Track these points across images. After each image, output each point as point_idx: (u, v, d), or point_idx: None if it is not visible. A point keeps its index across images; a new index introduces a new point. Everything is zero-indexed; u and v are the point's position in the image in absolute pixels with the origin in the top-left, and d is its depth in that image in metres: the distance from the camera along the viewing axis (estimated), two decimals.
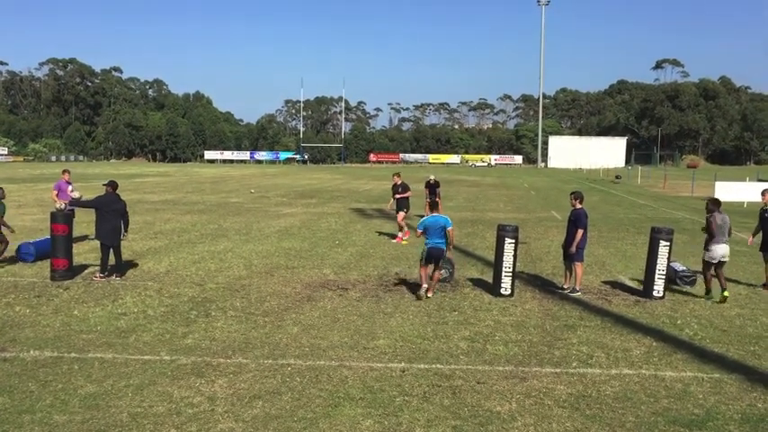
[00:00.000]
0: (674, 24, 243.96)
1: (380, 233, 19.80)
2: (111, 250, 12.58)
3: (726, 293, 11.34)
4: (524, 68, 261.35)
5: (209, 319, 9.78)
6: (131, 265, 13.93)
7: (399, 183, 18.57)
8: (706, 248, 11.77)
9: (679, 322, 10.07)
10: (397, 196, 18.51)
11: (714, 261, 11.62)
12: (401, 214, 18.35)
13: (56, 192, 16.89)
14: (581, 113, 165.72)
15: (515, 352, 8.46)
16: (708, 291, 11.75)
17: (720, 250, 11.58)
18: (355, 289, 12.00)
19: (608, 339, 9.10)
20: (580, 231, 11.78)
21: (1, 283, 12.09)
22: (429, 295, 11.31)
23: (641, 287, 12.06)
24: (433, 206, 12.41)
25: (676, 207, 31.67)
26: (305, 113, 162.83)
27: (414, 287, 12.06)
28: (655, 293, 11.51)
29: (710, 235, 11.66)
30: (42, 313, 10.02)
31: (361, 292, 11.79)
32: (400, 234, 18.34)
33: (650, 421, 6.37)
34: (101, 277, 12.41)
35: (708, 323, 10.03)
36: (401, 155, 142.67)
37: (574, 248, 11.79)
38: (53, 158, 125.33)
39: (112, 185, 12.89)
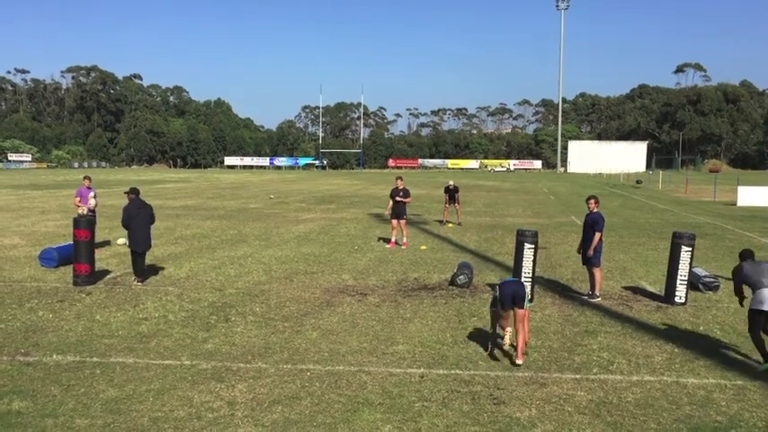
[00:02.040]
0: (696, 28, 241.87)
1: (380, 238, 19.80)
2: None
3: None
4: (544, 73, 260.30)
5: (229, 324, 9.83)
6: (152, 270, 14.05)
7: (401, 187, 18.38)
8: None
9: (701, 328, 9.96)
10: (398, 199, 18.29)
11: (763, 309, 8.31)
12: (395, 221, 18.31)
13: (78, 198, 17.08)
14: (601, 118, 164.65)
15: (535, 358, 8.41)
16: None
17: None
18: (374, 294, 12.01)
19: (629, 345, 9.02)
20: (597, 235, 11.71)
21: (24, 289, 12.25)
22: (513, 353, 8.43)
23: (663, 293, 11.95)
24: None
25: (698, 212, 31.33)
26: (324, 119, 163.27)
27: (432, 290, 12.06)
28: (677, 299, 11.39)
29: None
30: (65, 318, 10.13)
31: (380, 297, 11.79)
32: (394, 239, 18.31)
33: (672, 428, 6.30)
34: (139, 281, 12.71)
35: (731, 329, 9.91)
36: (420, 160, 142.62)
37: (591, 252, 11.73)
38: (76, 165, 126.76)
39: (134, 192, 13.12)
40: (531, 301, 10.16)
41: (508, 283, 8.60)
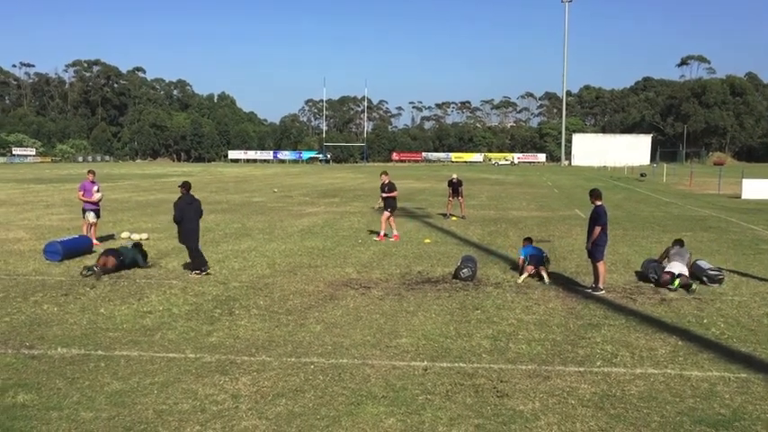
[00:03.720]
0: (700, 21, 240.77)
1: (370, 231, 19.80)
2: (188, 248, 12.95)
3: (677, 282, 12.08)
4: (548, 66, 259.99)
5: (233, 318, 9.85)
6: (156, 264, 14.09)
7: (387, 182, 18.36)
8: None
9: (705, 321, 9.94)
10: (384, 195, 18.35)
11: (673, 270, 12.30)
12: (386, 213, 18.33)
13: (81, 192, 17.10)
14: (605, 111, 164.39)
15: (538, 351, 8.41)
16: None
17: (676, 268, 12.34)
18: (378, 288, 12.01)
19: (633, 338, 9.01)
20: (597, 228, 11.71)
21: (29, 282, 12.29)
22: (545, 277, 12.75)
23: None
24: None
25: (702, 205, 31.25)
26: (327, 113, 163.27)
27: (435, 283, 12.09)
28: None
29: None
30: (69, 311, 10.17)
31: (384, 290, 11.80)
32: (382, 233, 18.35)
33: (676, 421, 6.30)
34: (197, 274, 12.77)
35: (735, 322, 9.89)
36: (423, 153, 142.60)
37: (590, 244, 11.76)
38: (80, 159, 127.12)
39: (185, 186, 13.01)
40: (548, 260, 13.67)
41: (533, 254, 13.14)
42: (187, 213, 12.67)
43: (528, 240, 14.15)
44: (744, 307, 10.84)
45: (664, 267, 12.56)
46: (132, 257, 13.50)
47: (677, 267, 12.38)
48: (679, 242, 13.44)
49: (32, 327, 9.30)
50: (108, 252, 13.36)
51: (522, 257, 13.38)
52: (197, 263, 12.92)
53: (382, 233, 18.31)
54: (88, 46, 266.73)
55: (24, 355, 8.07)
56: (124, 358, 7.97)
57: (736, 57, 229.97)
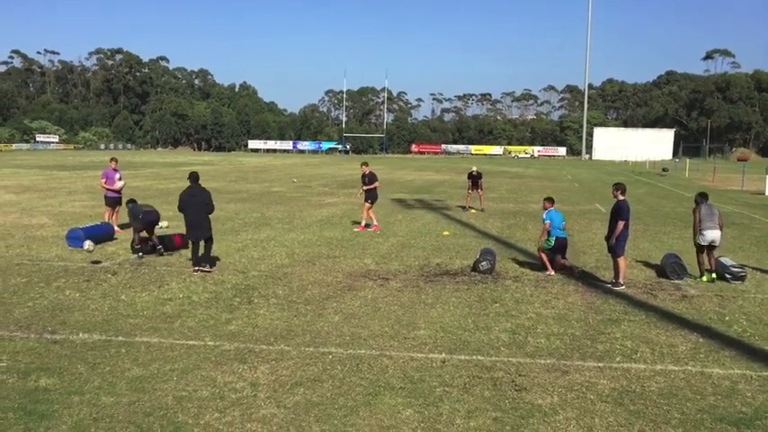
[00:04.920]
0: (725, 14, 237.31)
1: (354, 222, 19.77)
2: (203, 242, 12.35)
3: (713, 276, 12.36)
4: (570, 59, 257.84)
5: (252, 307, 9.91)
6: (177, 252, 14.19)
7: (367, 173, 18.25)
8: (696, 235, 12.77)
9: (727, 318, 9.83)
10: (365, 188, 18.25)
11: (704, 244, 12.54)
12: (367, 205, 18.30)
13: (104, 179, 17.24)
14: (627, 105, 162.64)
15: (557, 345, 8.37)
16: (701, 273, 12.53)
17: (709, 235, 12.51)
18: (396, 279, 12.01)
19: (653, 334, 8.94)
20: (621, 223, 11.59)
21: (51, 268, 12.44)
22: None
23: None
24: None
25: (726, 201, 30.87)
26: (347, 104, 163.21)
27: (454, 275, 12.06)
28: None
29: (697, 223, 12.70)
30: (91, 297, 10.28)
31: (402, 282, 11.79)
32: (363, 223, 18.41)
33: (696, 418, 6.24)
34: (196, 269, 12.21)
35: (757, 319, 9.78)
36: (443, 145, 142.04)
37: (613, 240, 11.63)
38: (102, 147, 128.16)
39: (191, 177, 12.60)
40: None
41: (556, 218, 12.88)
42: (189, 205, 12.22)
43: (550, 201, 13.25)
44: (767, 305, 10.71)
45: (700, 244, 12.60)
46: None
47: (710, 235, 12.48)
48: (704, 196, 13.23)
49: (55, 312, 9.41)
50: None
51: (547, 222, 12.75)
52: (194, 259, 12.35)
53: (363, 223, 18.43)
54: (111, 35, 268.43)
55: (47, 339, 8.18)
56: (144, 344, 8.04)
57: (762, 52, 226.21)
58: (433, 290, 11.21)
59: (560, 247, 12.84)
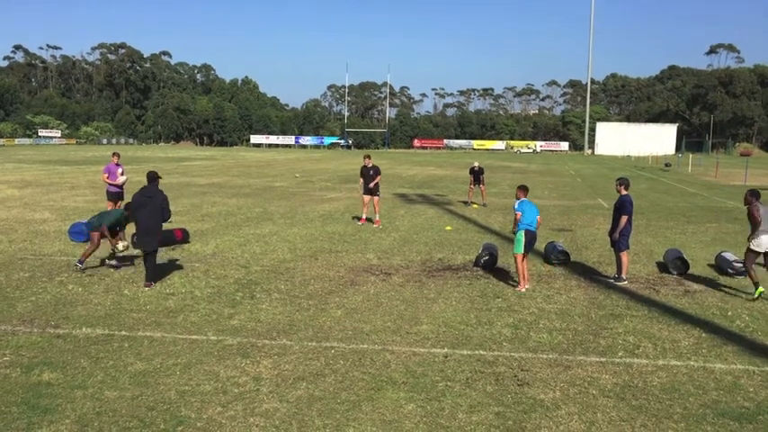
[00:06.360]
0: (728, 8, 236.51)
1: (354, 216, 19.78)
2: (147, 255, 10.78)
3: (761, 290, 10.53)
4: (572, 54, 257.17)
5: (255, 301, 9.92)
6: (179, 247, 14.20)
7: (370, 165, 18.20)
8: (751, 238, 10.83)
9: (730, 314, 9.82)
10: (373, 182, 18.10)
11: (760, 250, 10.72)
12: (366, 198, 18.31)
13: (106, 174, 17.23)
14: (630, 99, 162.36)
15: (559, 340, 8.37)
16: (756, 284, 10.60)
17: (766, 240, 10.68)
18: (398, 274, 12.02)
19: (655, 329, 8.94)
20: (624, 218, 11.58)
21: (54, 262, 12.46)
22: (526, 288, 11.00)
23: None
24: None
25: (728, 196, 30.81)
26: (349, 98, 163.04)
27: (456, 270, 12.06)
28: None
29: (754, 225, 10.77)
30: (94, 292, 10.29)
31: (405, 277, 11.80)
32: (364, 216, 18.49)
33: (698, 414, 6.24)
34: (147, 285, 10.65)
35: (759, 315, 9.77)
36: (445, 140, 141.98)
37: (617, 235, 11.62)
38: (104, 141, 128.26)
39: (149, 177, 11.02)
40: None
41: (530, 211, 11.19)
42: (143, 207, 10.62)
43: (523, 191, 11.52)
44: None
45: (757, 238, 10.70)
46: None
47: (767, 240, 10.63)
48: (756, 194, 10.98)
49: (57, 306, 9.43)
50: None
51: (518, 213, 11.08)
52: (150, 272, 10.73)
53: (364, 216, 18.52)
54: (113, 29, 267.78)
55: (50, 334, 8.20)
56: (147, 339, 8.06)
57: (765, 46, 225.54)
58: (435, 285, 11.21)
59: (530, 242, 11.05)
